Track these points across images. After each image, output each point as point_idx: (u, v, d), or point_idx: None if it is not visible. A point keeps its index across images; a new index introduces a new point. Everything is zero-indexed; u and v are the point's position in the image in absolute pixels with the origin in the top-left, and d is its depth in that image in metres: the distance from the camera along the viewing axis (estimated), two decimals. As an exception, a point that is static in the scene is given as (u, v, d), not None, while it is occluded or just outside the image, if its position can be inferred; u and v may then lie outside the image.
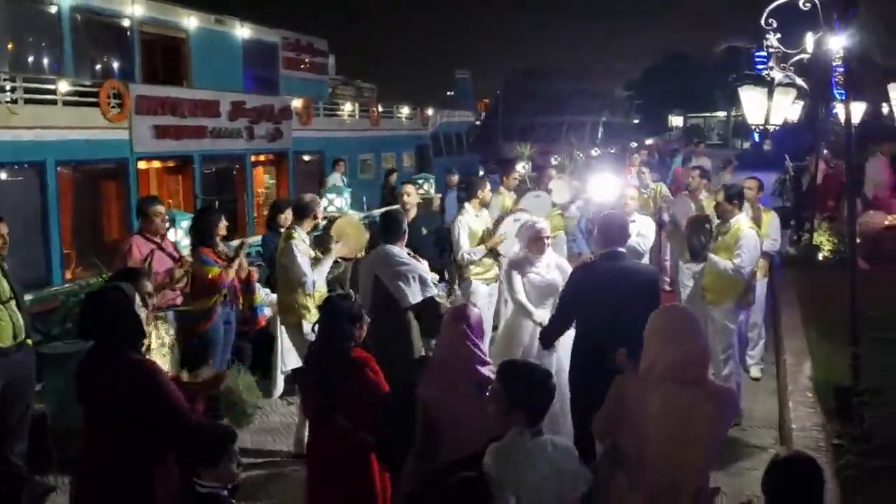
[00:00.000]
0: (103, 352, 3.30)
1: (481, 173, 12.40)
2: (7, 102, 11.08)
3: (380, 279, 5.39)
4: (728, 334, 6.21)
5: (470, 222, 7.29)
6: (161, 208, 6.24)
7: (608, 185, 7.55)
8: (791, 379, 6.67)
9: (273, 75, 19.57)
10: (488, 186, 7.82)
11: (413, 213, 7.52)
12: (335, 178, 16.36)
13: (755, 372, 7.36)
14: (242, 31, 17.99)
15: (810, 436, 5.44)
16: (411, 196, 7.70)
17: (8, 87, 11.30)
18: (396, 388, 3.81)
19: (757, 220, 7.04)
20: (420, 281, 5.37)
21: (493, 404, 3.14)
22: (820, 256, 11.05)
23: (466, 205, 7.58)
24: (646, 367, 3.25)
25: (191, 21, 16.25)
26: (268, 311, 7.12)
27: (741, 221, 6.19)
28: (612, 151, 26.33)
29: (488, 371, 3.59)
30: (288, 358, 6.79)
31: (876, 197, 12.76)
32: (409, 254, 5.59)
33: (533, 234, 5.84)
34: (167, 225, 7.59)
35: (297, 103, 18.78)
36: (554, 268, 5.77)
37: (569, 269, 5.57)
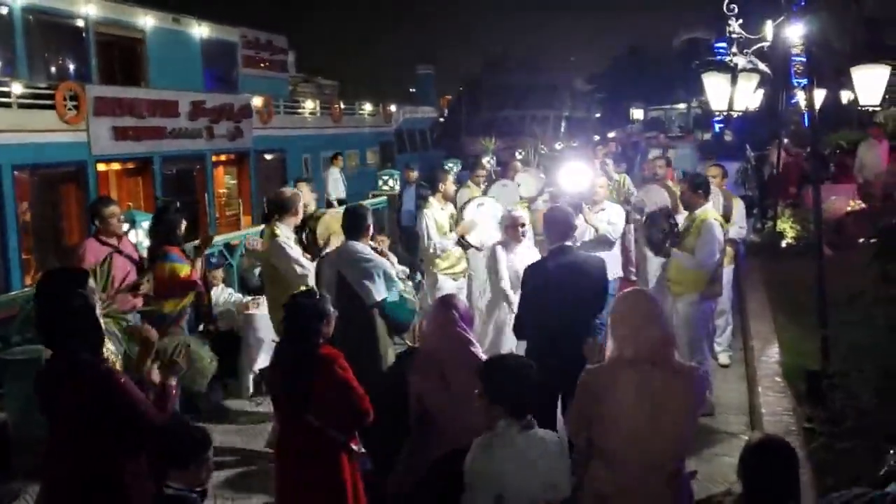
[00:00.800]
0: (63, 359, 3.18)
1: (449, 168, 12.33)
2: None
3: (344, 276, 5.28)
4: (693, 325, 6.12)
5: (436, 215, 7.28)
6: (115, 209, 5.99)
7: (579, 176, 7.56)
8: (760, 364, 6.74)
9: (232, 74, 19.32)
10: (450, 179, 7.80)
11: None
12: (334, 172, 16.34)
13: (724, 359, 7.42)
14: (200, 30, 17.71)
15: (781, 420, 5.49)
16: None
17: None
18: (385, 383, 3.79)
19: (728, 207, 7.09)
20: (385, 277, 5.29)
21: (478, 399, 3.14)
22: (784, 243, 11.22)
23: (431, 198, 7.58)
24: (614, 353, 3.27)
25: (147, 20, 15.95)
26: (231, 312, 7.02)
27: (707, 211, 6.13)
28: (575, 145, 26.47)
29: (482, 353, 3.61)
30: (255, 358, 6.70)
31: (867, 181, 12.76)
32: (374, 249, 5.51)
33: (510, 222, 5.97)
34: (126, 226, 7.43)
35: (257, 102, 18.58)
36: (533, 256, 5.84)
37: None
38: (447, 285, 7.17)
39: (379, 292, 5.22)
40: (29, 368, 5.04)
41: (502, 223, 6.48)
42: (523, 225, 6.11)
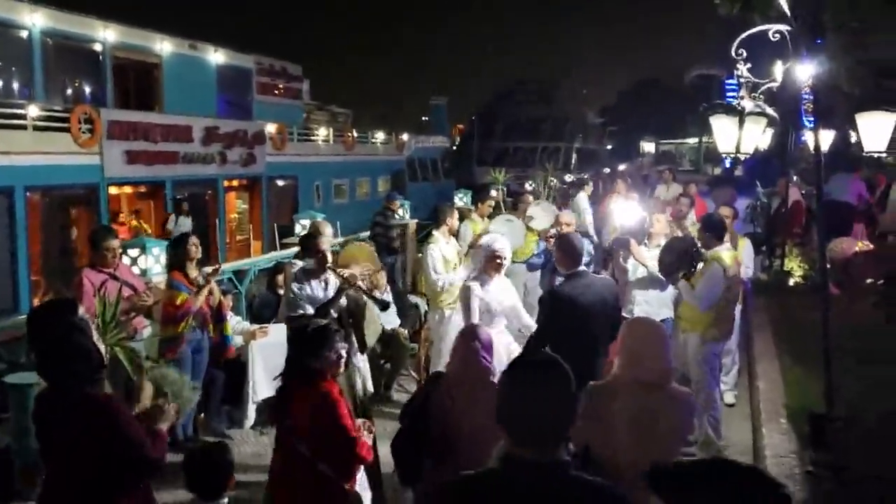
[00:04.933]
0: (56, 389, 3.18)
1: (460, 200, 12.35)
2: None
3: None
4: (701, 364, 6.12)
5: (442, 250, 7.20)
6: (114, 243, 5.99)
7: (630, 210, 7.64)
8: (765, 405, 6.68)
9: (247, 100, 19.55)
10: (456, 214, 7.74)
11: None
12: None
13: (729, 398, 7.37)
14: (216, 57, 17.96)
15: (784, 463, 5.44)
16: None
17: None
18: (413, 404, 3.94)
19: (733, 246, 7.09)
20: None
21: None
22: (791, 282, 11.17)
23: (435, 233, 7.45)
24: (617, 372, 3.52)
25: (164, 46, 16.20)
26: (238, 340, 7.01)
27: (718, 253, 6.09)
28: (586, 177, 26.55)
29: None
30: (259, 387, 6.70)
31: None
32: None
33: (489, 253, 5.82)
34: (137, 252, 7.50)
35: (270, 128, 18.74)
36: (507, 290, 5.83)
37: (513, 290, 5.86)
38: (454, 320, 7.09)
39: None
40: (31, 393, 5.05)
41: (479, 254, 6.11)
42: (501, 258, 5.86)
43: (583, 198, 11.85)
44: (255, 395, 6.69)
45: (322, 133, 22.38)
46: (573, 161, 42.30)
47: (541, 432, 2.26)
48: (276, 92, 21.04)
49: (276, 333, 6.68)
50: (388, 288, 7.18)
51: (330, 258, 5.79)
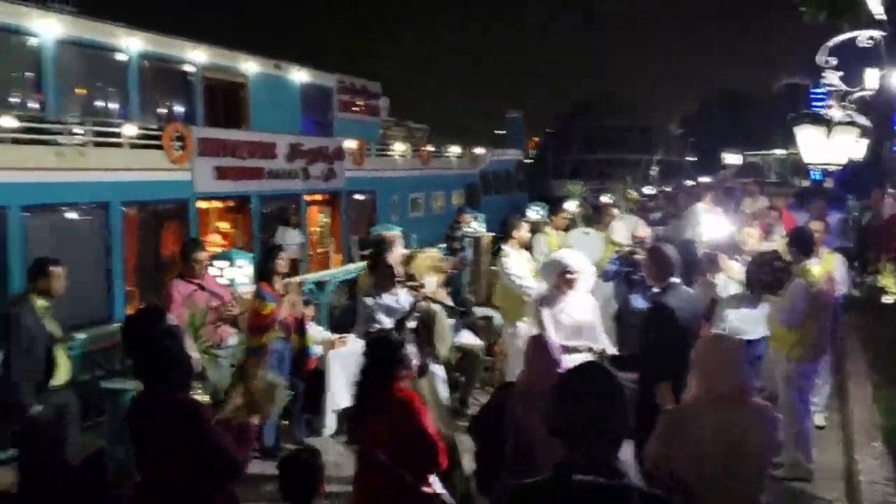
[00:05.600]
0: (150, 394, 3.34)
1: (535, 213, 12.20)
2: (77, 145, 11.56)
3: None
4: (784, 383, 5.94)
5: (514, 262, 7.15)
6: (202, 255, 6.40)
7: (720, 223, 7.49)
8: (857, 427, 6.39)
9: (328, 117, 20.01)
10: (525, 227, 7.70)
11: None
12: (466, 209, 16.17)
13: (819, 420, 7.06)
14: (300, 76, 18.48)
15: (878, 489, 5.18)
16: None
17: (78, 131, 11.79)
18: (487, 412, 3.99)
19: (823, 262, 6.84)
20: None
21: None
22: (885, 299, 10.64)
23: (504, 246, 7.43)
24: (696, 392, 3.45)
25: (250, 66, 16.78)
26: (318, 350, 7.16)
27: (809, 267, 5.89)
28: (668, 190, 26.01)
29: None
30: (338, 396, 6.82)
31: None
32: None
33: (559, 269, 5.77)
34: (226, 264, 7.78)
35: (350, 144, 19.12)
36: (585, 307, 5.72)
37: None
38: (529, 332, 7.07)
39: None
40: (125, 397, 5.30)
41: (547, 272, 6.08)
42: (571, 272, 5.82)
43: (700, 209, 10.95)
44: (334, 404, 6.81)
45: (399, 148, 22.69)
46: (654, 173, 41.51)
47: (590, 438, 2.30)
48: (356, 109, 21.47)
49: (355, 343, 6.81)
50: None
51: (400, 271, 5.87)
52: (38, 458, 5.00)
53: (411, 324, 5.47)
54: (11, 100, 12.13)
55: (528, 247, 7.80)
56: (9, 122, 10.62)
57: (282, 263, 6.45)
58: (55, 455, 5.05)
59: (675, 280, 5.02)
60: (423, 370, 4.07)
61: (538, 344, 4.08)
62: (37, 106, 12.25)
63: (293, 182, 16.75)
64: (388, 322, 5.72)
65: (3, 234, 10.28)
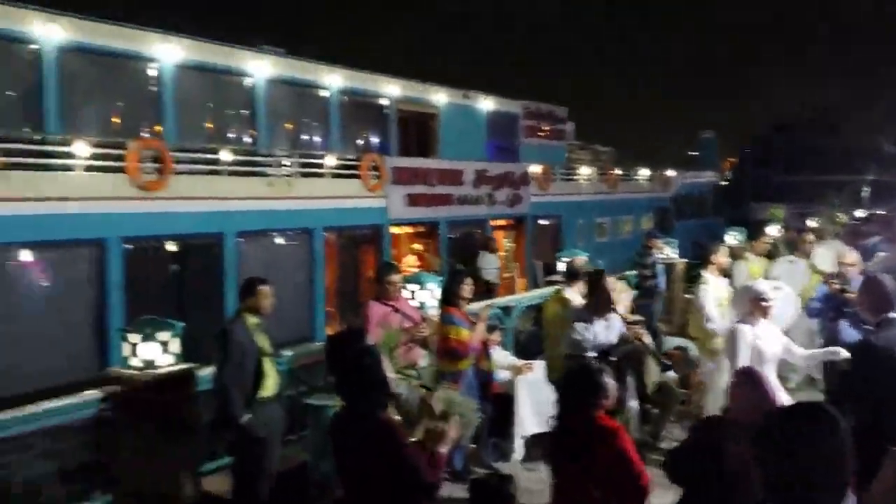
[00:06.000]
0: (354, 412, 3.47)
1: (733, 238, 11.54)
2: (285, 176, 12.55)
3: None
4: None
5: (715, 290, 6.86)
6: (397, 277, 6.55)
7: None
8: None
9: (513, 143, 20.27)
10: (725, 252, 7.36)
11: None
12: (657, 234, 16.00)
13: None
14: (486, 104, 18.90)
15: None
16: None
17: (286, 163, 12.80)
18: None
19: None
20: None
21: None
22: None
23: (704, 273, 7.15)
24: None
25: (440, 97, 17.41)
26: (505, 375, 7.16)
27: None
28: (882, 213, 23.65)
29: None
30: (526, 422, 6.77)
31: None
32: None
33: (752, 296, 5.53)
34: (417, 287, 8.03)
35: (535, 169, 19.20)
36: (776, 336, 5.45)
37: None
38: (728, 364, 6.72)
39: None
40: (328, 413, 5.58)
41: (742, 297, 5.81)
42: (766, 300, 5.54)
43: None
44: (523, 430, 6.77)
45: (584, 172, 22.46)
46: (865, 194, 37.93)
47: (816, 492, 2.04)
48: (541, 134, 21.56)
49: (542, 369, 6.76)
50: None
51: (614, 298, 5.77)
52: (247, 467, 5.42)
53: (613, 357, 5.36)
54: (229, 135, 13.43)
55: (727, 273, 7.42)
56: (226, 155, 11.75)
57: (466, 289, 6.53)
58: (263, 464, 5.45)
59: (893, 315, 4.49)
60: (620, 403, 3.93)
61: (749, 375, 3.86)
62: (250, 140, 13.47)
63: (480, 208, 17.11)
64: (591, 351, 5.65)
65: (220, 258, 11.34)
